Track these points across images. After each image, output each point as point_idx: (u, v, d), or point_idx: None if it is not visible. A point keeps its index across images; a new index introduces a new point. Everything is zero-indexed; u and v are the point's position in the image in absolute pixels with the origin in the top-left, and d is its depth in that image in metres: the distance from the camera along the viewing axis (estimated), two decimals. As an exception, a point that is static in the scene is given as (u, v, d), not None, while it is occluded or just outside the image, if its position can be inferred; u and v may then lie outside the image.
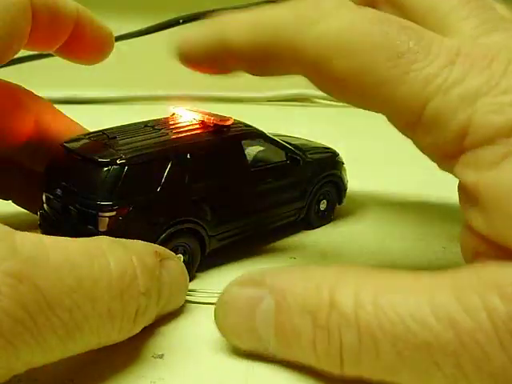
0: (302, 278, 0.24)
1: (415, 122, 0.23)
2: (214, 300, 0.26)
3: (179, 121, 0.35)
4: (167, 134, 0.33)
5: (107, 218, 0.30)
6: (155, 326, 0.28)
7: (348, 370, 0.22)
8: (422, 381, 0.21)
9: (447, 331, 0.20)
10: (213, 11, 0.71)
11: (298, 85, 0.77)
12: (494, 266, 0.21)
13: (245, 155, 0.35)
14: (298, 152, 0.37)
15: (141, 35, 0.70)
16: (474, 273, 0.21)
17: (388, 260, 0.35)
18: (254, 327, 0.24)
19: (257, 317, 0.24)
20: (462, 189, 0.23)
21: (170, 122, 0.35)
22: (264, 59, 0.26)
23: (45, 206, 0.33)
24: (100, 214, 0.29)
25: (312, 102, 0.78)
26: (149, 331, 0.28)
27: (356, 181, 0.42)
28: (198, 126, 0.34)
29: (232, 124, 0.34)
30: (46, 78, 0.69)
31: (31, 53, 0.69)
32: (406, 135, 0.25)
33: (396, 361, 0.21)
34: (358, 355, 0.21)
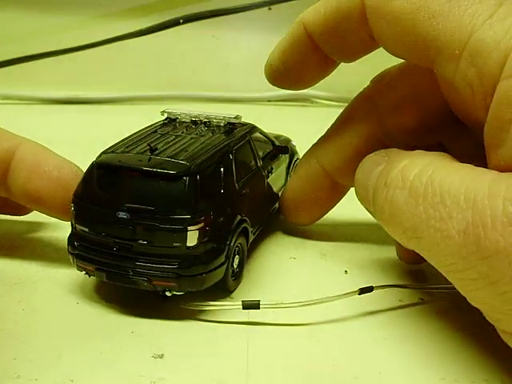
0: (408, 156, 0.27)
1: (460, 52, 0.25)
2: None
3: (191, 123, 0.35)
4: (199, 138, 0.32)
5: (197, 231, 0.28)
6: (155, 325, 0.28)
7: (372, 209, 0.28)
8: (433, 252, 0.24)
9: (466, 211, 0.22)
10: (213, 11, 0.72)
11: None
12: None
13: (256, 149, 0.36)
14: (278, 142, 0.40)
15: (141, 35, 0.70)
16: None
17: (392, 258, 0.36)
18: (367, 185, 0.29)
19: (370, 176, 0.29)
20: (494, 124, 0.24)
21: (185, 126, 0.34)
22: (336, 24, 0.30)
23: (93, 235, 0.29)
24: (189, 228, 0.28)
25: (312, 102, 0.78)
26: (149, 331, 0.28)
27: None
28: (213, 127, 0.34)
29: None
30: (46, 78, 0.69)
31: (31, 53, 0.69)
32: (445, 73, 0.26)
33: (421, 225, 0.24)
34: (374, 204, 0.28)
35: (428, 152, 0.27)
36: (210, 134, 0.33)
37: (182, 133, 0.33)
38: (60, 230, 0.37)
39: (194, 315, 0.29)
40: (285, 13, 0.73)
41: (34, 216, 0.37)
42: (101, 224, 0.29)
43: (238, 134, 0.34)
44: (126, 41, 0.68)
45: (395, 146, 0.30)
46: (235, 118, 0.35)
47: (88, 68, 0.73)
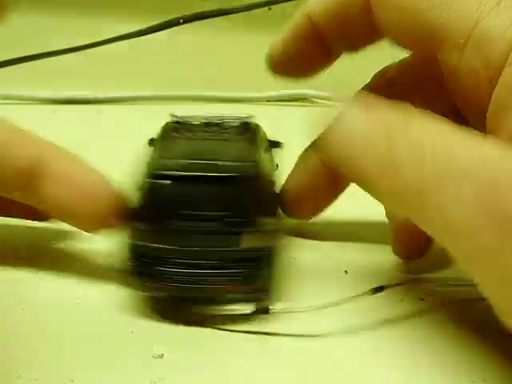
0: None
1: (465, 42, 0.24)
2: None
3: (205, 125, 0.34)
4: (228, 139, 0.32)
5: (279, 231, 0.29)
6: (155, 325, 0.28)
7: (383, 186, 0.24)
8: (445, 209, 0.22)
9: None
10: (213, 11, 0.72)
11: (298, 85, 0.77)
12: None
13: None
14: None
15: (141, 35, 0.69)
16: None
17: (391, 257, 0.36)
18: None
19: None
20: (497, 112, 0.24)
21: (201, 128, 0.34)
22: (341, 14, 0.29)
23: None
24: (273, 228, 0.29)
25: (312, 102, 0.78)
26: (149, 331, 0.28)
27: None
28: (229, 127, 0.34)
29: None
30: (46, 78, 0.69)
31: (31, 53, 0.69)
32: (449, 62, 0.25)
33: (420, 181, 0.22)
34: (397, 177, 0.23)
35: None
36: (235, 136, 0.33)
37: (207, 135, 0.33)
38: (58, 228, 0.37)
39: (194, 315, 0.29)
40: (285, 13, 0.73)
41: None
42: (181, 237, 0.28)
43: (259, 134, 0.34)
44: (126, 41, 0.68)
45: None
46: (249, 117, 0.35)
47: (88, 68, 0.73)
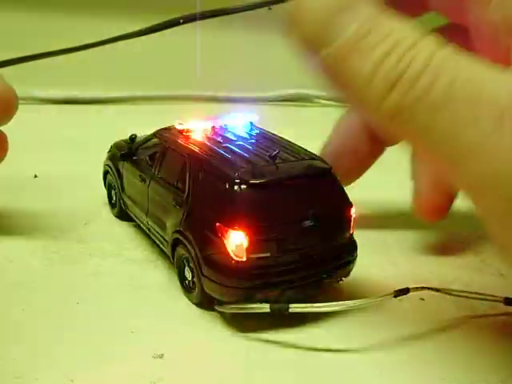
0: None
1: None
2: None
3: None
4: (256, 141, 0.33)
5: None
6: (155, 325, 0.28)
7: (391, 100, 0.22)
8: (458, 127, 0.21)
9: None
10: (213, 11, 0.72)
11: (298, 85, 0.77)
12: None
13: None
14: None
15: (141, 35, 0.69)
16: None
17: (391, 257, 0.36)
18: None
19: None
20: None
21: (217, 134, 0.34)
22: None
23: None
24: (353, 215, 0.30)
25: (312, 102, 0.78)
26: (149, 331, 0.28)
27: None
28: (249, 129, 0.35)
29: None
30: (46, 78, 0.69)
31: (31, 53, 0.69)
32: (476, 18, 0.26)
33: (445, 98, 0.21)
34: (412, 88, 0.21)
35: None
36: (257, 136, 0.33)
37: (237, 139, 0.33)
38: (59, 231, 0.37)
39: (194, 315, 0.29)
40: (285, 13, 0.72)
41: (33, 220, 0.37)
42: (285, 241, 0.28)
43: (271, 133, 0.35)
44: (126, 41, 0.68)
45: None
46: (253, 117, 0.35)
47: (88, 68, 0.73)
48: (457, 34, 0.30)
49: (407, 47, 0.22)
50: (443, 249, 0.38)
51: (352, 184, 0.36)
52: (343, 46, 0.22)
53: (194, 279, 0.30)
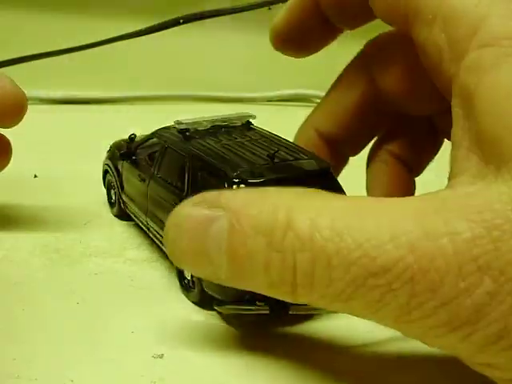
0: (259, 198, 0.22)
1: (433, 17, 0.23)
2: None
3: (212, 129, 0.34)
4: (252, 141, 0.32)
5: None
6: (155, 325, 0.28)
7: (300, 296, 0.21)
8: (373, 310, 0.20)
9: (407, 256, 0.19)
10: (213, 11, 0.72)
11: (298, 85, 0.77)
12: (460, 191, 0.20)
13: None
14: None
15: (141, 35, 0.69)
16: (438, 197, 0.20)
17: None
18: (205, 250, 0.23)
19: (209, 239, 0.22)
20: (460, 95, 0.22)
21: (213, 133, 0.34)
22: None
23: None
24: None
25: (312, 102, 0.78)
26: (149, 331, 0.28)
27: (355, 179, 0.42)
28: (237, 128, 0.34)
29: None
30: (46, 78, 0.69)
31: (31, 53, 0.69)
32: (419, 38, 0.25)
33: (349, 288, 0.20)
34: (311, 281, 0.20)
35: (285, 189, 0.23)
36: (255, 136, 0.33)
37: (235, 138, 0.33)
38: (59, 231, 0.37)
39: (194, 315, 0.29)
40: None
41: (33, 220, 0.37)
42: None
43: (270, 132, 0.35)
44: (126, 41, 0.68)
45: (387, 114, 0.30)
46: (251, 116, 0.35)
47: (88, 68, 0.73)
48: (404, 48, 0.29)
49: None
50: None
51: (351, 184, 0.36)
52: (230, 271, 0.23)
53: (194, 278, 0.30)
